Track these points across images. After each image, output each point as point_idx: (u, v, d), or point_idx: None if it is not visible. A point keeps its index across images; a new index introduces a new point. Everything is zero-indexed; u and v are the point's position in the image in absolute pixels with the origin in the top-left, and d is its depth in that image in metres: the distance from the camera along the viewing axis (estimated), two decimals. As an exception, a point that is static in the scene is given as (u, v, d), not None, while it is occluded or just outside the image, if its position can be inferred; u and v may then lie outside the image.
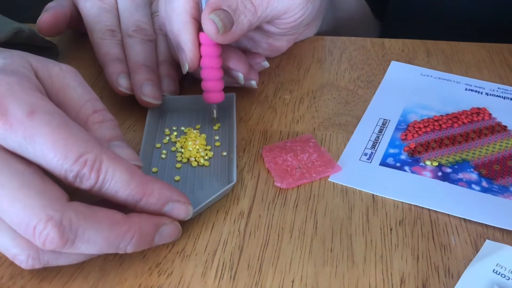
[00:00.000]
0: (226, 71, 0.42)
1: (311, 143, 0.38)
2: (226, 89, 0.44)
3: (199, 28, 0.39)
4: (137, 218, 0.29)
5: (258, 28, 0.44)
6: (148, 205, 0.30)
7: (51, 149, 0.27)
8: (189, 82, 0.46)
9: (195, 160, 0.38)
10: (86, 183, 0.28)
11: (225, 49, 0.40)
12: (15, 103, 0.28)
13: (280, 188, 0.35)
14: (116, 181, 0.29)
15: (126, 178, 0.29)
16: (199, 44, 0.39)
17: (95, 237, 0.27)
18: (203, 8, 0.38)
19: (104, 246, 0.28)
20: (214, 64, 0.39)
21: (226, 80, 0.41)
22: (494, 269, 0.29)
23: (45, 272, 0.30)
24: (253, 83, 0.43)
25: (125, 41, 0.44)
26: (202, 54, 0.39)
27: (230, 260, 0.31)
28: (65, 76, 0.32)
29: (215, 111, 0.40)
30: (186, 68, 0.39)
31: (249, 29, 0.40)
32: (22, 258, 0.28)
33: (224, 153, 0.38)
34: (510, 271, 0.29)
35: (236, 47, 0.43)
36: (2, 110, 0.27)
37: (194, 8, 0.39)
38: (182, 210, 0.31)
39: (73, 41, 0.53)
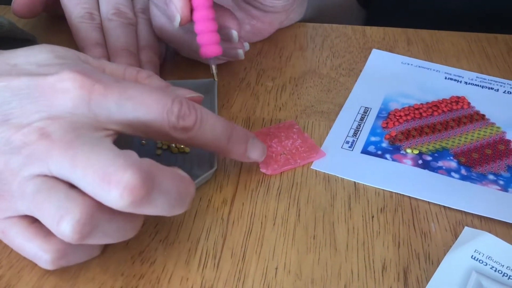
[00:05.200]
0: (219, 31, 0.40)
1: (295, 129, 0.38)
2: (208, 76, 0.43)
3: None
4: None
5: (242, 8, 0.43)
6: (238, 139, 0.32)
7: (148, 97, 0.28)
8: (170, 67, 0.45)
9: (176, 147, 0.37)
10: (189, 121, 0.29)
11: (215, 8, 0.39)
12: (100, 74, 0.29)
13: (263, 176, 0.35)
14: (209, 114, 0.30)
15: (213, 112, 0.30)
16: None
17: (170, 188, 0.26)
18: None
19: (174, 200, 0.27)
20: (208, 14, 0.37)
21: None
22: (472, 255, 0.30)
23: (25, 262, 0.30)
24: (240, 52, 0.41)
25: (104, 24, 0.43)
26: (195, 7, 0.37)
27: (213, 248, 0.31)
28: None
29: (214, 67, 0.39)
30: (177, 19, 0.37)
31: None
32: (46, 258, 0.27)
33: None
34: (487, 257, 0.29)
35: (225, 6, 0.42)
36: (94, 78, 0.28)
37: None
38: (260, 146, 0.33)
39: (50, 25, 0.51)
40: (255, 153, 0.33)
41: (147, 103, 0.28)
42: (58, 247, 0.27)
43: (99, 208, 0.25)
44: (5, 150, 0.27)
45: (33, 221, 0.28)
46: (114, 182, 0.24)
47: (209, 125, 0.30)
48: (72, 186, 0.26)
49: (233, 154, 0.33)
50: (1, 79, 0.28)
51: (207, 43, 0.38)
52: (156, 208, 0.26)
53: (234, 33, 0.40)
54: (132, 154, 0.26)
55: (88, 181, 0.25)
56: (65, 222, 0.25)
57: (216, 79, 0.39)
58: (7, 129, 0.27)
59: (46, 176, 0.26)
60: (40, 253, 0.27)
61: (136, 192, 0.25)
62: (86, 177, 0.25)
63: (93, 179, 0.25)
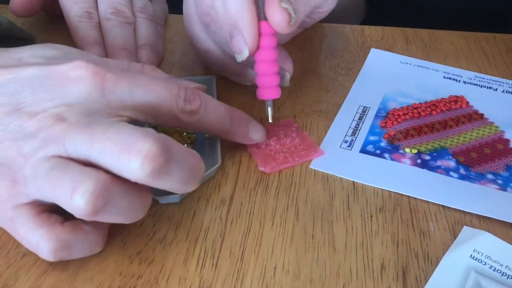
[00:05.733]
0: None
1: (293, 127, 0.38)
2: (208, 72, 0.43)
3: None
4: None
5: None
6: (239, 121, 0.33)
7: (156, 84, 0.30)
8: (168, 66, 0.45)
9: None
10: (195, 104, 0.31)
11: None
12: (109, 65, 0.30)
13: (262, 175, 0.35)
14: (211, 98, 0.32)
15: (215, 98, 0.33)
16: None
17: (184, 161, 0.27)
18: None
19: (188, 173, 0.28)
20: (273, 56, 0.35)
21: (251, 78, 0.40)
22: (471, 255, 0.30)
23: (22, 261, 0.30)
24: (286, 83, 0.40)
25: (103, 24, 0.43)
26: (260, 46, 0.35)
27: (212, 247, 0.31)
28: None
29: (270, 109, 0.37)
30: (245, 54, 0.35)
31: (304, 18, 0.37)
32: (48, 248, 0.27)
33: (207, 135, 0.38)
34: (486, 257, 0.29)
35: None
36: (105, 67, 0.29)
37: None
38: (260, 127, 0.35)
39: (48, 24, 0.51)
40: (256, 134, 0.36)
41: (156, 89, 0.30)
42: (61, 237, 0.27)
43: (113, 182, 0.26)
44: (18, 137, 0.27)
45: (41, 211, 0.28)
46: (135, 151, 0.25)
47: (213, 108, 0.32)
48: (86, 165, 0.26)
49: (236, 135, 0.35)
50: (9, 71, 0.28)
51: (267, 87, 0.36)
52: (172, 181, 0.27)
53: (287, 76, 0.40)
54: (149, 129, 0.27)
55: (107, 153, 0.25)
56: (78, 195, 0.25)
57: (271, 120, 0.37)
58: (19, 117, 0.27)
59: (61, 156, 0.27)
60: (43, 242, 0.27)
61: (156, 161, 0.25)
62: (105, 150, 0.25)
63: (112, 151, 0.25)
